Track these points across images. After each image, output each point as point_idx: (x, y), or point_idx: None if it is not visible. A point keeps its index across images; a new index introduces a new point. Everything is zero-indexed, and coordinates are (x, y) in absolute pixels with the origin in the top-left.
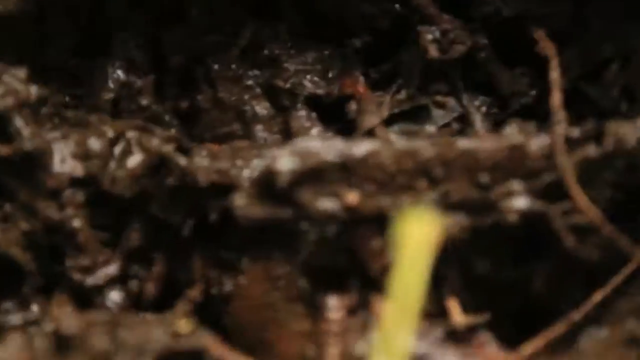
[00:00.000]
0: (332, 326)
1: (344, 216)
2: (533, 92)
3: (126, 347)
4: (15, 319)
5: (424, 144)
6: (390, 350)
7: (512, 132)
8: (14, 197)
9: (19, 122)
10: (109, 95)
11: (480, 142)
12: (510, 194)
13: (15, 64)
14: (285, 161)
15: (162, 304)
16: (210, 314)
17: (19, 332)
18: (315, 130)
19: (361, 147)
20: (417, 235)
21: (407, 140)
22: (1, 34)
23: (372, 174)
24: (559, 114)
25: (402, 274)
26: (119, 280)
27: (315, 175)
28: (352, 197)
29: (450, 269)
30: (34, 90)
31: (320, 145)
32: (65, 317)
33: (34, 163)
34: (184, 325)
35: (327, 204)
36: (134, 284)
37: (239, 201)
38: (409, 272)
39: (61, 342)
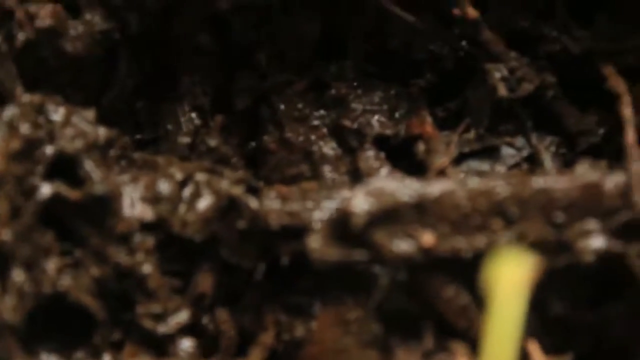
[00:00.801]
0: None
1: (419, 258)
2: (601, 131)
3: None
4: None
5: (499, 183)
6: None
7: (586, 171)
8: (84, 242)
9: (88, 165)
10: (184, 138)
11: (555, 180)
12: (586, 233)
13: (81, 105)
14: (360, 202)
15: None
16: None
17: None
18: (384, 171)
19: (436, 187)
20: (511, 277)
21: (481, 180)
22: (69, 75)
23: (447, 214)
24: (633, 151)
25: (496, 319)
26: (190, 328)
27: (390, 216)
28: (428, 237)
29: (528, 311)
30: (102, 132)
31: (396, 185)
32: None
33: (104, 207)
34: None
35: (402, 245)
36: (205, 331)
37: (314, 244)
38: (503, 317)
39: None
